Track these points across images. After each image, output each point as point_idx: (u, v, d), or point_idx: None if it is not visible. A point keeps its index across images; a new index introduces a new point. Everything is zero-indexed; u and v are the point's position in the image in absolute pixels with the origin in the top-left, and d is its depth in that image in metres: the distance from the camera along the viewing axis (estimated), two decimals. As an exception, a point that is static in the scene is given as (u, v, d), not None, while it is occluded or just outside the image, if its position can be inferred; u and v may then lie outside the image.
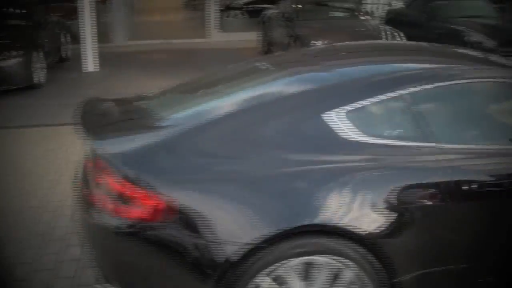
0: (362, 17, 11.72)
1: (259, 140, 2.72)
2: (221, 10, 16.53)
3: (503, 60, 3.70)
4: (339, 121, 2.73)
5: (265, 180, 2.58)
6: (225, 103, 3.09)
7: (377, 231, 2.58)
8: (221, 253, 2.46)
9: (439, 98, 3.06)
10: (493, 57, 3.94)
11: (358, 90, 2.93)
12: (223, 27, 16.43)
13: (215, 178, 2.59)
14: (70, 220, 4.06)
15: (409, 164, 2.77)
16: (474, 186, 2.79)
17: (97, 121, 3.12)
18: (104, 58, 11.60)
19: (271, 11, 13.20)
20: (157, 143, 2.72)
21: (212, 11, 16.28)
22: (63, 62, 11.74)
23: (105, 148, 2.74)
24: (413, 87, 2.93)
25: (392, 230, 2.60)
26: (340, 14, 12.01)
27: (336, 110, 2.76)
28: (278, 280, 2.56)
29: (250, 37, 13.91)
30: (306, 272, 2.58)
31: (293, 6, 11.76)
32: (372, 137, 2.75)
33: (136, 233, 2.57)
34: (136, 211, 2.52)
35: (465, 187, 2.77)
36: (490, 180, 2.90)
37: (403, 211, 2.65)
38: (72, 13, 12.70)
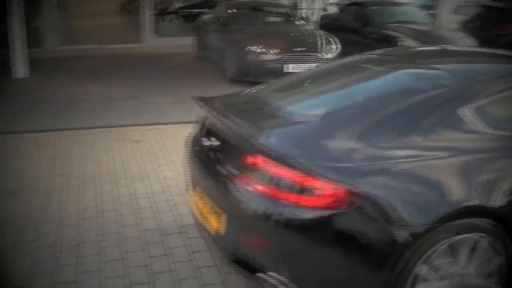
0: (297, 22, 11.84)
1: (415, 133, 2.99)
2: (156, 15, 16.34)
3: None
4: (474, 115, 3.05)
5: (434, 167, 2.86)
6: (366, 100, 3.37)
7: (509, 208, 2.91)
8: (400, 235, 2.67)
9: None
10: None
11: (485, 89, 3.22)
12: (158, 32, 16.24)
13: (387, 167, 2.81)
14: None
15: None
16: None
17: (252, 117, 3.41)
18: (35, 64, 11.23)
19: (207, 16, 13.17)
20: (323, 135, 2.98)
21: (147, 16, 16.08)
22: (-10, 68, 11.29)
23: (278, 143, 2.93)
24: None
25: None
26: (275, 19, 12.05)
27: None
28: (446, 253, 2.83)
29: (186, 42, 13.80)
30: (451, 251, 2.85)
31: (228, 11, 11.77)
32: (501, 130, 3.12)
33: (316, 221, 2.75)
34: (319, 200, 2.71)
35: None
36: None
37: None
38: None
